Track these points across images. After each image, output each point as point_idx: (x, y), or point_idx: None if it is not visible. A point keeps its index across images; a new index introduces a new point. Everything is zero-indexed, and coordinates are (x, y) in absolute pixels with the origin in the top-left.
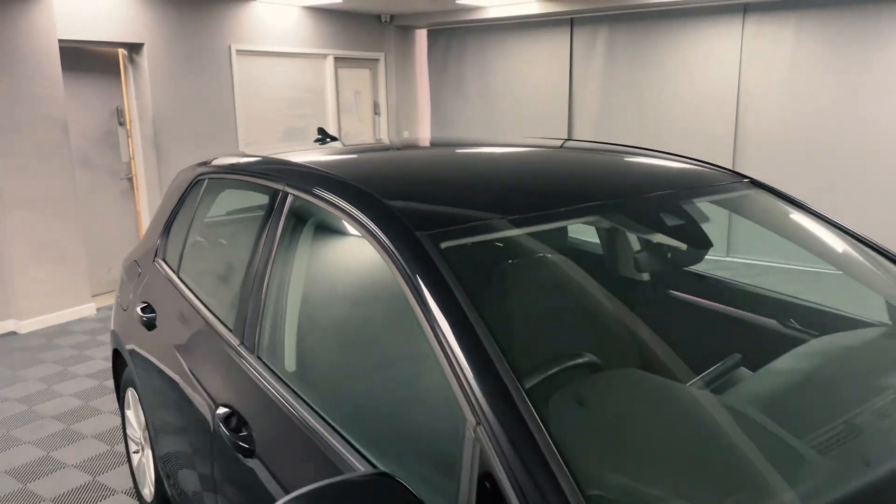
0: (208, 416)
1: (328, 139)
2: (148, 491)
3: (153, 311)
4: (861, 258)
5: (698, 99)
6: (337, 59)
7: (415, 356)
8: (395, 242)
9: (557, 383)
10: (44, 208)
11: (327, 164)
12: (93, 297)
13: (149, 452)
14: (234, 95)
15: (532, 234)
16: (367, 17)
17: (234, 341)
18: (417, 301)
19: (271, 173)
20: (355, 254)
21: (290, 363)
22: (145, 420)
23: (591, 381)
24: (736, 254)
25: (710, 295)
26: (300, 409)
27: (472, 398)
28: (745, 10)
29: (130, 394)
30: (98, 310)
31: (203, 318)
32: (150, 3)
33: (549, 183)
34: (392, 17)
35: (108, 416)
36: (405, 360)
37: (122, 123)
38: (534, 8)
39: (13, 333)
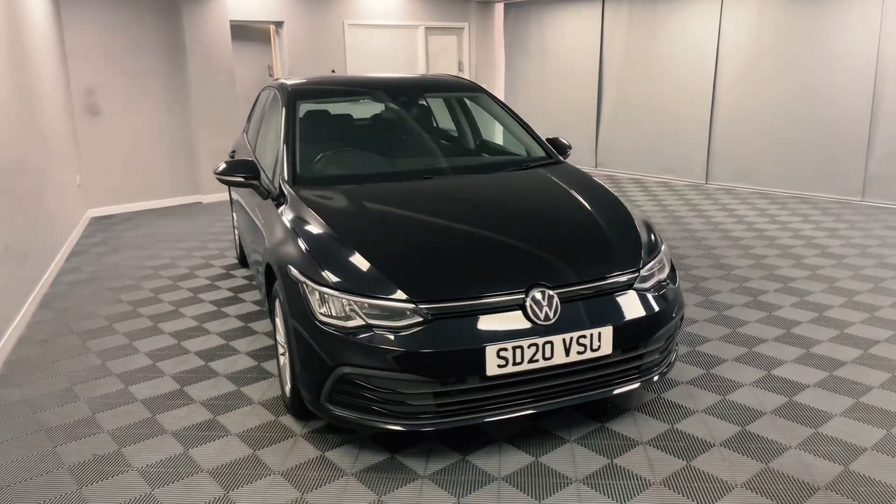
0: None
1: (333, 72)
2: (238, 252)
3: (234, 151)
4: (520, 127)
5: (688, 56)
6: (427, 28)
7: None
8: (286, 102)
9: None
10: (219, 126)
11: (290, 80)
12: None
13: (237, 232)
14: (345, 56)
15: (344, 103)
16: None
17: (252, 150)
18: (285, 121)
19: (273, 85)
20: (280, 108)
21: (268, 159)
22: (235, 210)
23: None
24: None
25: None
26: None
27: (284, 153)
28: None
29: (233, 200)
30: None
31: (249, 147)
32: None
33: (366, 84)
34: None
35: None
36: (277, 141)
37: (271, 75)
38: None
39: (200, 203)
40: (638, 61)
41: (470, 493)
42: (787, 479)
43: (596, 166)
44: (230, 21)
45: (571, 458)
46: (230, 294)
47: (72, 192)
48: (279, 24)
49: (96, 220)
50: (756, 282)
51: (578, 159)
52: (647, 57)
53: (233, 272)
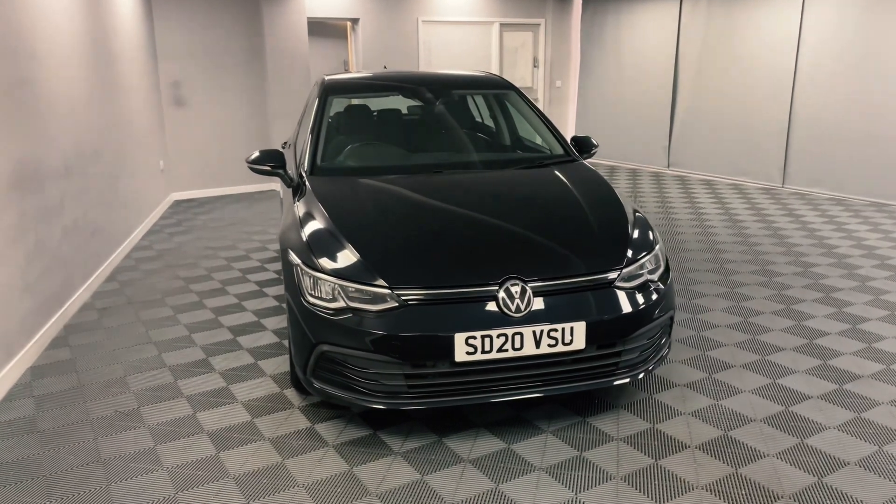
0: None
1: (385, 67)
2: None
3: (286, 142)
4: (543, 125)
5: (767, 55)
6: (502, 24)
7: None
8: (322, 95)
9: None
10: (293, 118)
11: (334, 75)
12: None
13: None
14: (418, 51)
15: (373, 98)
16: None
17: (294, 140)
18: (315, 113)
19: (321, 79)
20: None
21: (299, 149)
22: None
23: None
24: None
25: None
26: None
27: (308, 143)
28: None
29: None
30: None
31: (294, 137)
32: None
33: (398, 80)
34: None
35: None
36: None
37: (346, 70)
38: None
39: (273, 190)
40: (714, 60)
41: (435, 471)
42: (752, 485)
43: (668, 166)
44: (308, 18)
45: (542, 448)
46: (274, 276)
47: (155, 176)
48: (355, 21)
49: (177, 203)
50: (796, 290)
51: (650, 159)
52: (725, 56)
53: None
